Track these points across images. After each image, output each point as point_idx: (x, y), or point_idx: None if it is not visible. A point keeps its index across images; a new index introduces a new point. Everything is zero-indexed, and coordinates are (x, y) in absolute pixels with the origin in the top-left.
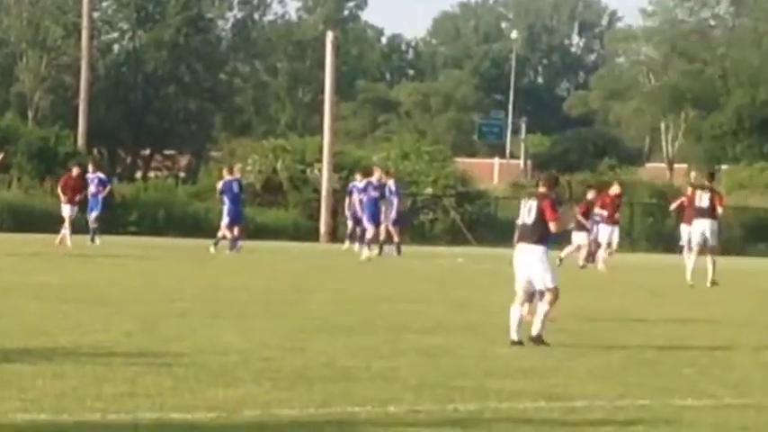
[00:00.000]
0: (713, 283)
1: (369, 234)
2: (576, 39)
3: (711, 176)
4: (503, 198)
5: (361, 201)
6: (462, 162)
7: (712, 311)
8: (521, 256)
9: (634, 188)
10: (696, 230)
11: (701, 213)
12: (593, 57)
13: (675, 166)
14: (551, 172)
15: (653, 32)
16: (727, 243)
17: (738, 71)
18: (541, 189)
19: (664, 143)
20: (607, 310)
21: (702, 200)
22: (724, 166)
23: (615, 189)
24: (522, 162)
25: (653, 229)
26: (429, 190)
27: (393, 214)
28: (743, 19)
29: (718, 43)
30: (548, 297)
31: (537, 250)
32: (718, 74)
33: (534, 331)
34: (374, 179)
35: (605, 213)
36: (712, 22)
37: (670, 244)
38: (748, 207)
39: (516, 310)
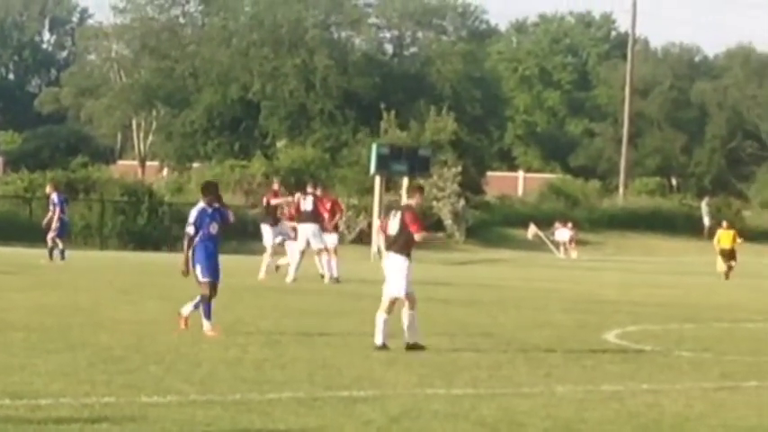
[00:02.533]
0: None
1: None
2: (47, 35)
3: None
4: None
5: None
6: None
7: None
8: (387, 264)
9: (106, 186)
10: (302, 233)
11: (306, 218)
12: (64, 54)
13: (148, 163)
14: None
15: (124, 30)
16: None
17: (208, 70)
18: (408, 200)
19: (136, 141)
20: (76, 308)
21: (307, 204)
22: (196, 164)
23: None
24: None
25: (124, 226)
26: None
27: None
28: (212, 18)
29: (189, 41)
30: (407, 304)
31: (399, 259)
32: (189, 72)
33: (410, 340)
34: None
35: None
36: (182, 20)
37: (141, 242)
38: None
39: (380, 317)
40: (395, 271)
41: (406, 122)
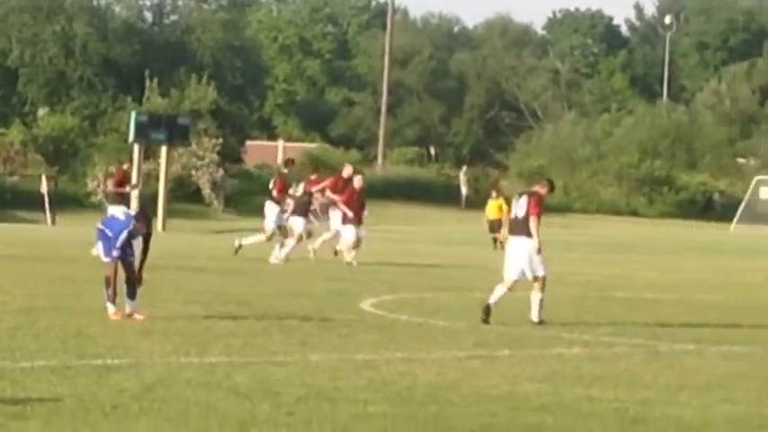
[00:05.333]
0: None
1: None
2: None
3: None
4: None
5: None
6: None
7: None
8: (511, 248)
9: None
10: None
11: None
12: None
13: None
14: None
15: None
16: None
17: None
18: (537, 188)
19: None
20: None
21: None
22: None
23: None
24: None
25: None
26: None
27: None
28: None
29: None
30: (539, 284)
31: (527, 243)
32: None
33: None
34: None
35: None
36: None
37: None
38: None
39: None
40: (522, 253)
41: (167, 91)
